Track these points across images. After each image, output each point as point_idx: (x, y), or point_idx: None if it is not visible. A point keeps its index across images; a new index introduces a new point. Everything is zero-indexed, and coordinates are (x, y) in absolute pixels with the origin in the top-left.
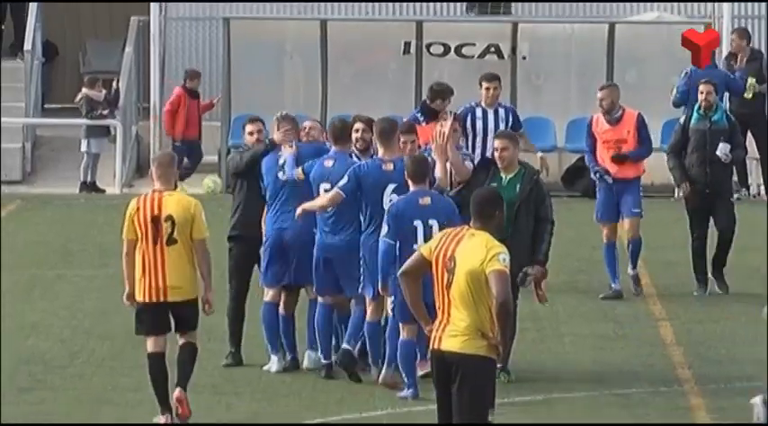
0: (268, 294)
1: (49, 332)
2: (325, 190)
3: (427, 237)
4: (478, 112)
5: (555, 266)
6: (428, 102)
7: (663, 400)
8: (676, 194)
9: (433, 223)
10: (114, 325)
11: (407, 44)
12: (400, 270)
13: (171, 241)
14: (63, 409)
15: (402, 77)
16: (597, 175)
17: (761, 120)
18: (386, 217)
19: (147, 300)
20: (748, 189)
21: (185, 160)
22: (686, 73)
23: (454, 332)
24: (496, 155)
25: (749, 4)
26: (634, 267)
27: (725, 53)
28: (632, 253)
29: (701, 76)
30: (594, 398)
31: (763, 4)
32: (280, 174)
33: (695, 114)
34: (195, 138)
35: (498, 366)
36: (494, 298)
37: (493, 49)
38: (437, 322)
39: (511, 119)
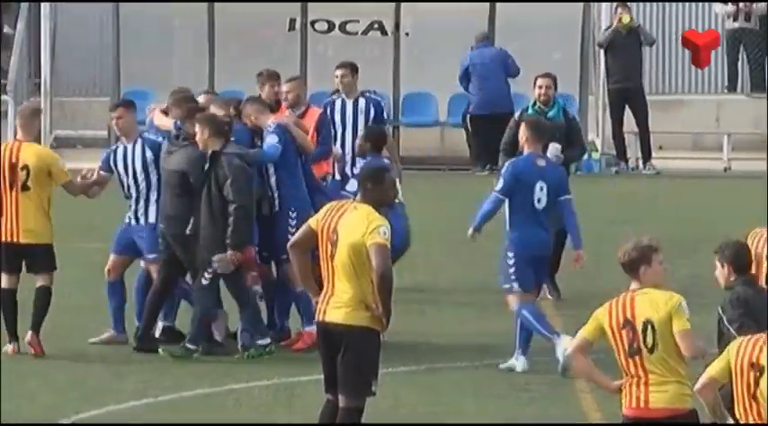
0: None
1: None
2: None
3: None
4: (338, 104)
5: (438, 238)
6: None
7: (543, 370)
8: None
9: None
10: None
11: (293, 21)
12: (290, 242)
13: (25, 188)
14: None
15: (287, 53)
16: None
17: (639, 95)
18: None
19: (3, 240)
20: (627, 162)
21: None
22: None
23: (338, 304)
24: None
25: None
26: None
27: (604, 26)
28: None
29: (476, 57)
30: (476, 368)
31: None
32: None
33: (530, 110)
34: None
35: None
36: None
37: (376, 26)
38: (322, 294)
39: (373, 112)
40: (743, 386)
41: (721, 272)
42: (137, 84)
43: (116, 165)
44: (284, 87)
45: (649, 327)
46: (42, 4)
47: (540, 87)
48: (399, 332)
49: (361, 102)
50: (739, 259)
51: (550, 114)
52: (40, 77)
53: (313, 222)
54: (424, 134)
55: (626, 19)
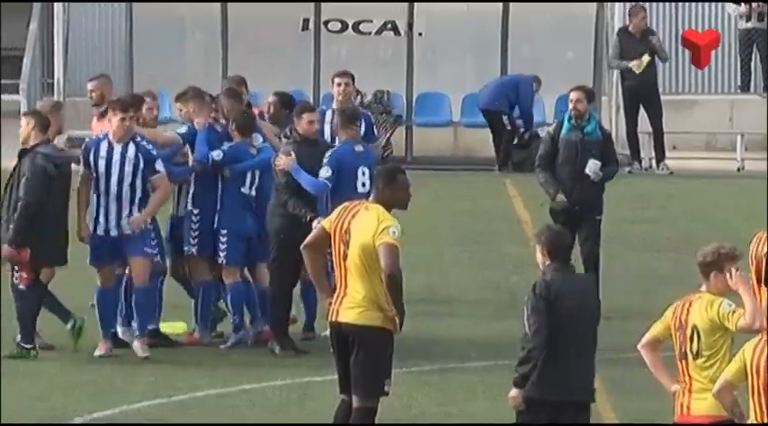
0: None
1: None
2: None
3: None
4: (328, 115)
5: (449, 237)
6: None
7: None
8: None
9: None
10: None
11: (306, 21)
12: (303, 243)
13: None
14: None
15: (300, 54)
16: None
17: (653, 94)
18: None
19: None
20: (640, 162)
21: None
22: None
23: (351, 304)
24: None
25: None
26: None
27: (617, 26)
28: None
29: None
30: (488, 367)
31: None
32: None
33: (566, 123)
34: None
35: None
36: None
37: (390, 26)
38: (335, 294)
39: (363, 126)
40: (759, 385)
41: (540, 257)
42: (149, 83)
43: (96, 164)
44: (89, 85)
45: (695, 334)
46: (56, 4)
47: (571, 100)
48: (411, 333)
49: None
50: (552, 245)
51: (588, 129)
52: (52, 77)
53: (326, 223)
54: (437, 134)
55: (645, 61)
